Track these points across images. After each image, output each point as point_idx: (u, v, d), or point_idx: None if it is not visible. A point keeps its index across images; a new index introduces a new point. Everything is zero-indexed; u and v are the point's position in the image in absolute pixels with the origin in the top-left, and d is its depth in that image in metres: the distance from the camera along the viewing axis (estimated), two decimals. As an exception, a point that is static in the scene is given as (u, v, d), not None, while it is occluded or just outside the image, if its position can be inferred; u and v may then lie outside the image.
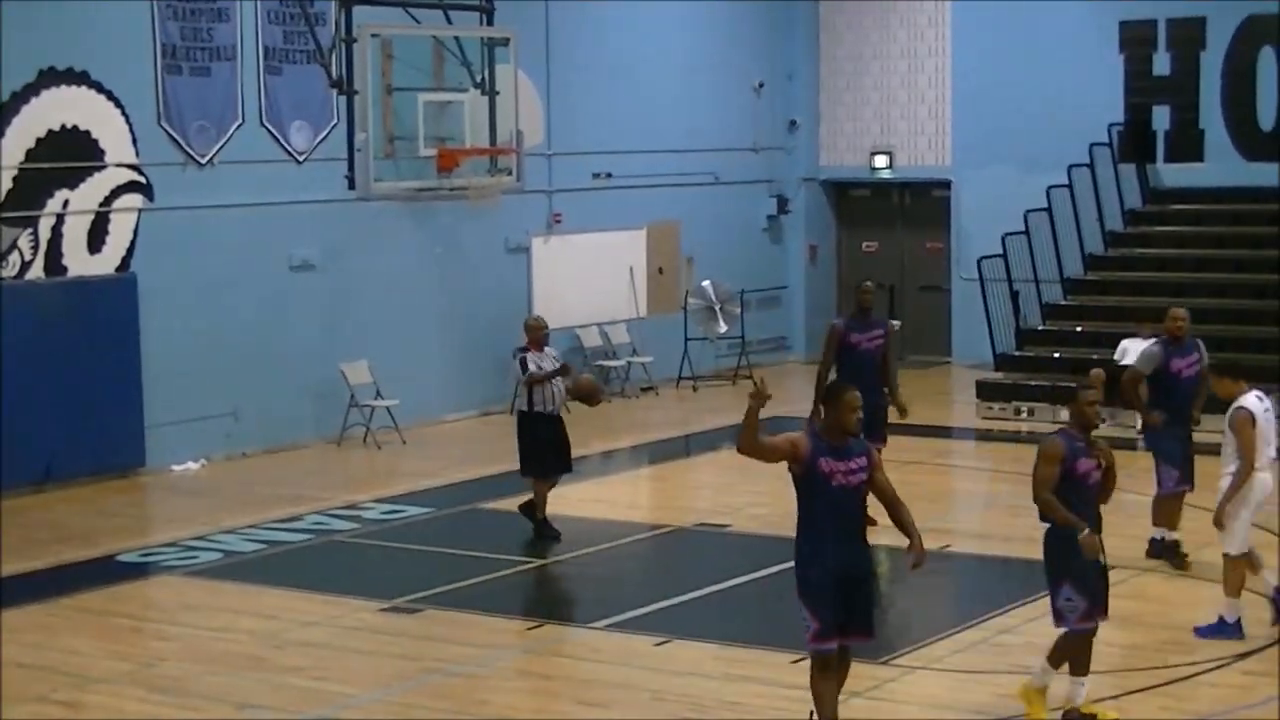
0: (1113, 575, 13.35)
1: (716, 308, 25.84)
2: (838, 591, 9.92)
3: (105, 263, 19.13)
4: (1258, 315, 22.75)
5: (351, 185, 16.55)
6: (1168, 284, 23.91)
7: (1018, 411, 22.59)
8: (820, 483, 9.85)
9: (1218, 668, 11.71)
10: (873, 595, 10.23)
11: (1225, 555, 12.51)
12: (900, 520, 10.07)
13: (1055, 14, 26.07)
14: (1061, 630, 10.63)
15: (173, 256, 19.49)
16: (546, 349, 16.15)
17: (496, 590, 14.61)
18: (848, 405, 9.96)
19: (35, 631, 13.23)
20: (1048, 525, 10.54)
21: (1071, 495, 10.43)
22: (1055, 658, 10.69)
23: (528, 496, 16.22)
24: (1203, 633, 12.53)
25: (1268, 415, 12.45)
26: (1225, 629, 12.48)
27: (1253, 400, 12.45)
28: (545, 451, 16.03)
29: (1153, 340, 14.59)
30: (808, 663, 11.98)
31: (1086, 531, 10.34)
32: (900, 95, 27.85)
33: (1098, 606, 10.57)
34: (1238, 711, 10.93)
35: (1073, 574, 10.46)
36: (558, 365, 16.08)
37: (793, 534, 15.18)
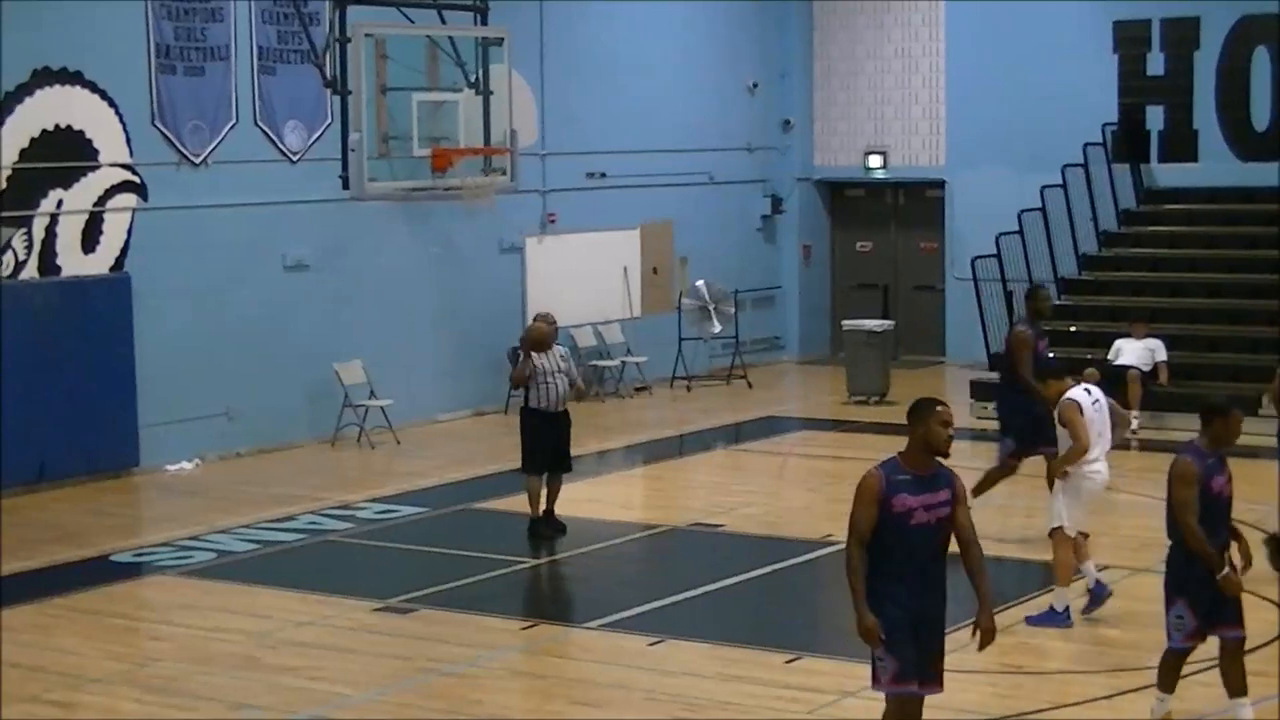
0: (1107, 575, 13.46)
1: (711, 307, 25.83)
2: (917, 631, 8.80)
3: (99, 262, 19.11)
4: (1252, 315, 22.78)
5: (346, 185, 16.51)
6: (1162, 284, 23.97)
7: (1012, 411, 22.57)
8: (895, 522, 8.66)
9: (1213, 667, 11.69)
10: (942, 643, 8.95)
11: (1055, 531, 12.81)
12: (971, 568, 8.90)
13: (1049, 14, 26.08)
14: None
15: (167, 256, 19.47)
16: (556, 347, 16.13)
17: (490, 590, 14.59)
18: (939, 419, 8.73)
19: (29, 631, 13.21)
20: (1174, 540, 10.07)
21: (1205, 513, 9.96)
22: (1163, 680, 10.38)
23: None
24: (1033, 621, 12.78)
25: (1097, 407, 12.85)
26: (1054, 617, 12.71)
27: (1080, 392, 12.87)
28: (543, 448, 16.01)
29: None
30: (801, 663, 12.02)
31: (1226, 571, 9.91)
32: (894, 95, 27.86)
33: (1210, 627, 10.15)
34: (1233, 711, 10.92)
35: (1188, 591, 10.03)
36: (564, 365, 16.00)
37: (787, 534, 15.12)
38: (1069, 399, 12.81)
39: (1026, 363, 15.57)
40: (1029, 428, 15.39)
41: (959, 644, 12.48)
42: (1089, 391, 12.96)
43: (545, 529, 16.05)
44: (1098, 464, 12.84)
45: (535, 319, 16.51)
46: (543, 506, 16.12)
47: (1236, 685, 10.32)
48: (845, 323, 25.09)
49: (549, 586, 15.12)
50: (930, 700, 11.18)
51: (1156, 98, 25.58)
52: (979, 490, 15.68)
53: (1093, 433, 12.76)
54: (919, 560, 8.74)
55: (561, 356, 16.08)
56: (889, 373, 24.01)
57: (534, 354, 15.90)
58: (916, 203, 28.24)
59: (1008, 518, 17.02)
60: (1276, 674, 11.50)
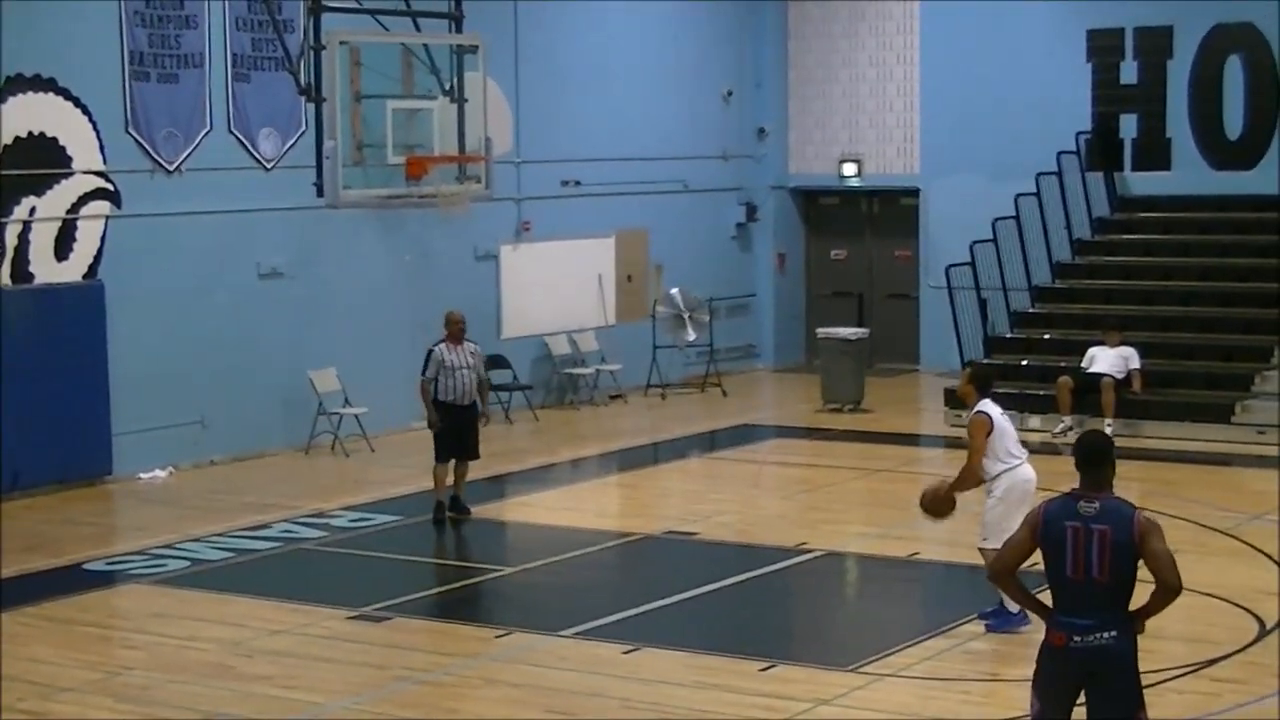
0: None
1: (685, 315, 25.83)
2: (1072, 684, 8.42)
3: (72, 270, 19.04)
4: (1225, 323, 22.86)
5: (320, 193, 16.48)
6: (1135, 292, 24.03)
7: (985, 419, 22.60)
8: (1053, 544, 8.23)
9: (1185, 674, 11.74)
10: (1122, 695, 8.48)
11: (981, 549, 12.94)
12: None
13: (1023, 22, 26.15)
14: None
15: (140, 264, 19.42)
16: (466, 343, 17.05)
17: (465, 598, 14.58)
18: None
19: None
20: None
21: None
22: None
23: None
24: (992, 627, 12.90)
25: (1004, 417, 12.99)
26: (1011, 619, 12.75)
27: (990, 404, 12.93)
28: (448, 437, 17.00)
29: None
30: (776, 670, 12.02)
31: None
32: (869, 103, 27.91)
33: None
34: (1205, 718, 10.95)
35: None
36: (473, 360, 16.99)
37: (761, 541, 15.14)
38: (982, 411, 12.80)
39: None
40: None
41: (932, 651, 12.53)
42: (995, 404, 12.99)
43: (449, 512, 17.07)
44: (1024, 467, 12.91)
45: (450, 317, 17.30)
46: (448, 491, 17.13)
47: None
48: (820, 330, 25.10)
49: (523, 594, 15.08)
50: (904, 709, 11.22)
51: (1130, 106, 25.66)
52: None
53: (1008, 440, 12.87)
54: (1082, 588, 8.48)
55: (471, 353, 17.02)
56: (864, 381, 24.03)
57: (446, 348, 16.91)
58: (891, 211, 28.28)
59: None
60: (1277, 671, 11.55)
